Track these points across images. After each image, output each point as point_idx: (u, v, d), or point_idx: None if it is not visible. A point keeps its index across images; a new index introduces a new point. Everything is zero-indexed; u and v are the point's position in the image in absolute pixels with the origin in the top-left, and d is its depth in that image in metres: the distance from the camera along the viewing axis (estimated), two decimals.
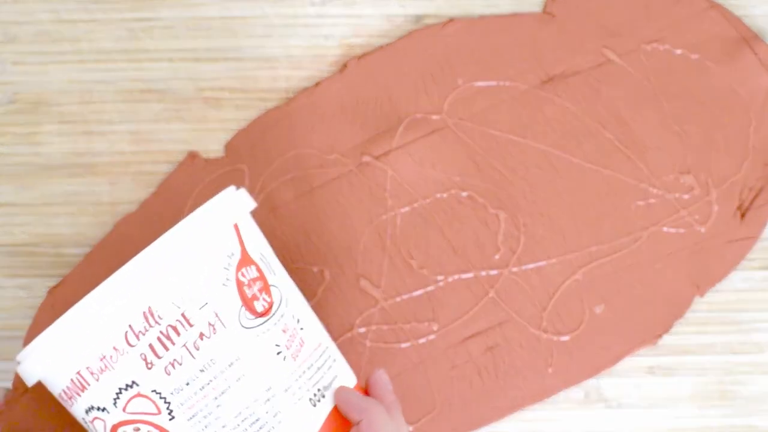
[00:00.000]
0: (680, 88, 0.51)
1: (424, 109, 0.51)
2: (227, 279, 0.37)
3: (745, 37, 0.52)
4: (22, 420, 0.43)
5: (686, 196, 0.51)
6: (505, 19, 0.52)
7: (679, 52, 0.52)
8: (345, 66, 0.51)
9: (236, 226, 0.38)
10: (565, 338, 0.50)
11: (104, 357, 0.36)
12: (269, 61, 0.51)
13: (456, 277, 0.50)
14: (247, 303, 0.37)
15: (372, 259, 0.50)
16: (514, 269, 0.50)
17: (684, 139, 0.51)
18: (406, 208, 0.50)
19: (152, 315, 0.36)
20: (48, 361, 0.36)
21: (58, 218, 0.50)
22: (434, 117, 0.51)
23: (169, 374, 0.36)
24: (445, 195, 0.50)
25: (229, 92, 0.51)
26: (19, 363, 0.38)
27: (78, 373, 0.36)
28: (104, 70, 0.51)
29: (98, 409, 0.37)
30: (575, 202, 0.50)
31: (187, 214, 0.38)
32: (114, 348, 0.36)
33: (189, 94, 0.51)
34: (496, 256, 0.50)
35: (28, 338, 0.49)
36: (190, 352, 0.36)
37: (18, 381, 0.48)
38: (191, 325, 0.36)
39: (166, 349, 0.36)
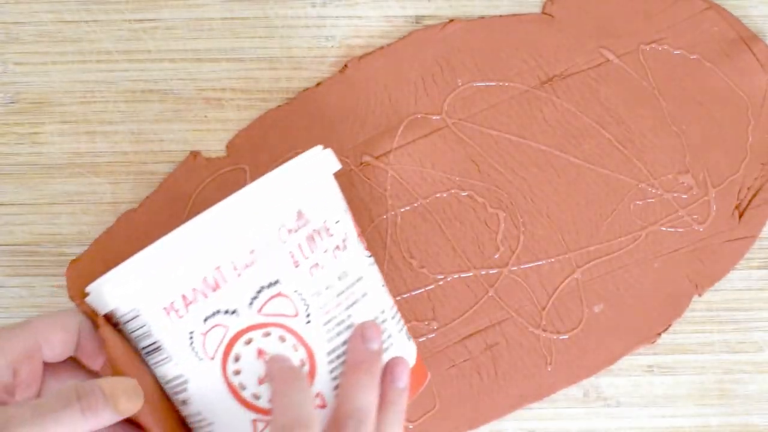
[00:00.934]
0: (679, 88, 0.51)
1: (424, 109, 0.51)
2: (347, 207, 0.40)
3: (744, 37, 0.52)
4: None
5: (685, 196, 0.51)
6: (504, 19, 0.52)
7: (677, 52, 0.52)
8: (345, 66, 0.51)
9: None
10: (564, 337, 0.50)
11: (254, 251, 0.35)
12: (270, 62, 0.51)
13: (456, 276, 0.50)
14: (359, 234, 0.39)
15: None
16: (514, 268, 0.50)
17: (682, 138, 0.51)
18: (406, 208, 0.50)
19: (303, 216, 0.37)
20: (173, 262, 0.35)
21: (59, 218, 0.51)
22: (434, 117, 0.51)
23: (312, 276, 0.36)
24: (445, 195, 0.51)
25: (230, 93, 0.51)
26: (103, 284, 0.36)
27: (218, 268, 0.35)
28: (106, 70, 0.51)
29: (226, 312, 0.35)
30: (574, 202, 0.51)
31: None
32: (266, 242, 0.36)
33: (190, 95, 0.51)
34: (496, 256, 0.50)
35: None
36: (331, 258, 0.37)
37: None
38: (330, 235, 0.37)
39: (312, 251, 0.37)
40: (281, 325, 0.36)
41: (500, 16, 0.52)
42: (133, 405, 0.34)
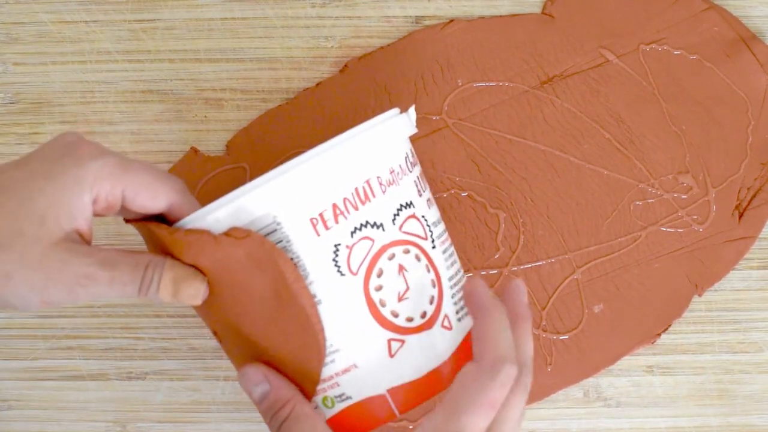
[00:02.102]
0: (679, 88, 0.51)
1: (424, 110, 0.51)
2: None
3: (744, 37, 0.52)
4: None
5: (684, 196, 0.51)
6: (504, 20, 0.52)
7: (677, 52, 0.52)
8: (345, 67, 0.51)
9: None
10: (564, 337, 0.50)
11: (393, 171, 0.37)
12: (270, 62, 0.51)
13: None
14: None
15: None
16: (514, 268, 0.50)
17: (682, 139, 0.51)
18: None
19: (414, 155, 0.39)
20: (325, 174, 0.35)
21: None
22: (434, 117, 0.51)
23: (429, 208, 0.39)
24: (445, 195, 0.51)
25: (230, 93, 0.51)
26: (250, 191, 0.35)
27: (367, 181, 0.36)
28: (105, 70, 0.51)
29: (373, 225, 0.36)
30: (574, 202, 0.51)
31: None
32: (400, 166, 0.37)
33: (190, 95, 0.51)
34: (496, 256, 0.50)
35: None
36: (433, 201, 0.40)
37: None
38: (427, 184, 0.40)
39: (424, 187, 0.39)
40: (417, 245, 0.37)
41: (500, 16, 0.52)
42: (188, 299, 0.36)
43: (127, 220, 0.38)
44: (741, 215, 0.51)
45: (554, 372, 0.49)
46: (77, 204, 0.35)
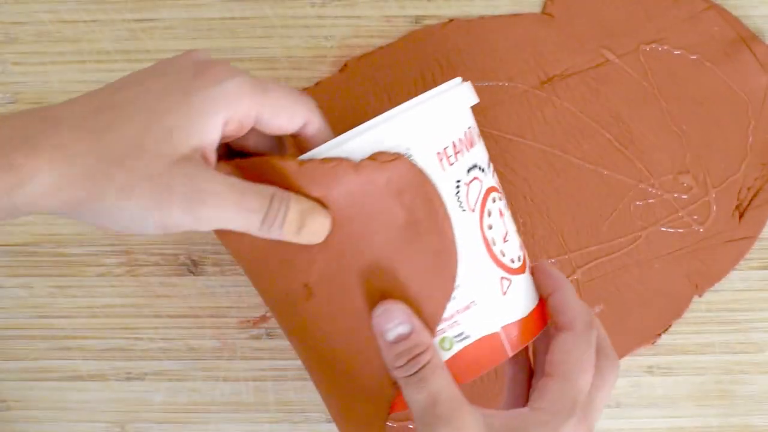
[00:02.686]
0: (679, 88, 0.51)
1: None
2: None
3: (744, 37, 0.52)
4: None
5: (685, 196, 0.51)
6: (504, 19, 0.52)
7: (678, 52, 0.52)
8: (345, 66, 0.51)
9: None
10: None
11: (470, 127, 0.38)
12: (269, 62, 0.51)
13: None
14: None
15: None
16: None
17: (682, 139, 0.51)
18: None
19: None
20: (448, 112, 0.36)
21: (59, 218, 0.51)
22: None
23: (494, 173, 0.40)
24: None
25: None
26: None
27: (469, 128, 0.38)
28: (105, 70, 0.51)
29: (480, 168, 0.38)
30: (574, 202, 0.51)
31: None
32: (475, 125, 0.39)
33: None
34: None
35: None
36: None
37: None
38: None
39: (486, 152, 0.40)
40: (503, 195, 0.39)
41: (500, 16, 0.52)
42: (312, 236, 0.35)
43: (234, 160, 0.36)
44: (741, 215, 0.51)
45: None
46: (210, 123, 0.33)
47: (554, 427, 0.35)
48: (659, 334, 0.50)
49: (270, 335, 0.50)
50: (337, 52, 0.52)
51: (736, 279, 0.51)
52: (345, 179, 0.35)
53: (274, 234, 0.34)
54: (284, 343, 0.50)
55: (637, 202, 0.51)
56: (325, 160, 0.34)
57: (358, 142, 0.35)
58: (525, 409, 0.36)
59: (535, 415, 0.35)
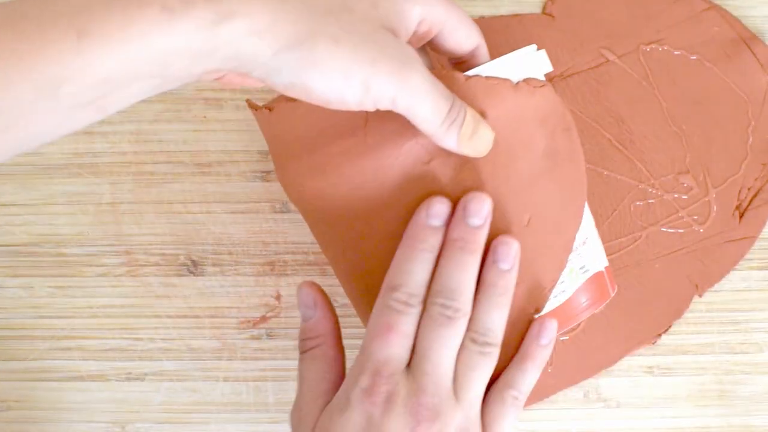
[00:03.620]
0: (679, 88, 0.51)
1: None
2: None
3: (744, 37, 0.52)
4: None
5: (685, 196, 0.51)
6: (504, 20, 0.52)
7: (677, 52, 0.52)
8: None
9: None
10: (565, 338, 0.50)
11: None
12: None
13: None
14: None
15: None
16: None
17: (683, 139, 0.51)
18: None
19: None
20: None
21: (59, 218, 0.51)
22: None
23: None
24: None
25: (229, 93, 0.51)
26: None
27: None
28: None
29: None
30: None
31: None
32: None
33: (190, 95, 0.51)
34: None
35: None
36: None
37: None
38: None
39: None
40: None
41: (500, 16, 0.52)
42: (483, 144, 0.35)
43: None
44: (741, 215, 0.51)
45: (554, 372, 0.49)
46: (409, 11, 0.34)
47: (346, 398, 0.36)
48: (659, 334, 0.50)
49: (270, 335, 0.50)
50: None
51: (736, 279, 0.51)
52: (504, 98, 0.36)
53: (452, 134, 0.34)
54: (284, 343, 0.50)
55: (637, 202, 0.51)
56: (489, 78, 0.36)
57: (514, 66, 0.36)
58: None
59: (341, 390, 0.37)
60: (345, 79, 0.31)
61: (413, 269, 0.36)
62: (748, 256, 0.51)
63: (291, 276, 0.50)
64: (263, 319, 0.50)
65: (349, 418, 0.35)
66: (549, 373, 0.49)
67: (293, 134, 0.37)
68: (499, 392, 0.38)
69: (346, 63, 0.30)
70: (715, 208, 0.51)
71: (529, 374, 0.38)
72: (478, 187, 0.36)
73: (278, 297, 0.50)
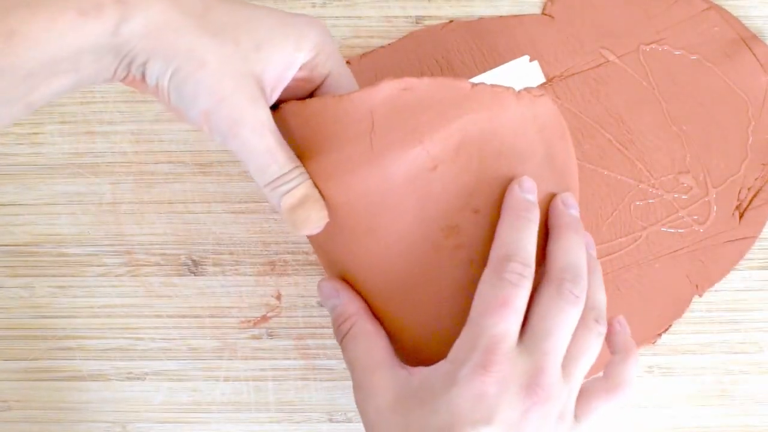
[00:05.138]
0: (679, 88, 0.51)
1: None
2: None
3: (744, 37, 0.52)
4: None
5: (685, 196, 0.51)
6: (504, 20, 0.52)
7: (677, 52, 0.52)
8: (348, 63, 0.51)
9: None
10: None
11: None
12: None
13: None
14: None
15: None
16: None
17: (683, 139, 0.51)
18: None
19: None
20: None
21: (59, 218, 0.51)
22: None
23: None
24: None
25: None
26: None
27: None
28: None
29: None
30: None
31: None
32: None
33: None
34: None
35: None
36: None
37: None
38: None
39: None
40: None
41: (500, 16, 0.52)
42: (303, 221, 0.36)
43: (404, 79, 0.37)
44: (741, 215, 0.51)
45: None
46: (292, 57, 0.35)
47: (452, 375, 0.34)
48: (659, 334, 0.50)
49: (270, 335, 0.50)
50: None
51: (735, 279, 0.51)
52: (508, 106, 0.36)
53: (273, 198, 0.35)
54: (285, 342, 0.50)
55: (637, 202, 0.51)
56: (494, 86, 0.36)
57: (508, 76, 0.38)
58: (441, 362, 0.35)
59: (438, 367, 0.35)
60: (192, 101, 0.34)
61: (523, 239, 0.35)
62: (748, 256, 0.51)
63: (291, 276, 0.50)
64: (264, 318, 0.50)
65: (457, 395, 0.33)
66: None
67: (299, 136, 0.37)
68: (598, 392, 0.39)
69: (200, 88, 0.33)
70: (715, 208, 0.51)
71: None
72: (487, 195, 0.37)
73: (279, 297, 0.50)
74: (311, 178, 0.36)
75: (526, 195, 0.36)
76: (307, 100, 0.36)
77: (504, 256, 0.35)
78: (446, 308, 0.37)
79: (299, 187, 0.35)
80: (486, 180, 0.36)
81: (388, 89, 0.35)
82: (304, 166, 0.36)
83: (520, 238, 0.35)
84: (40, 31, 0.30)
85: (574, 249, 0.36)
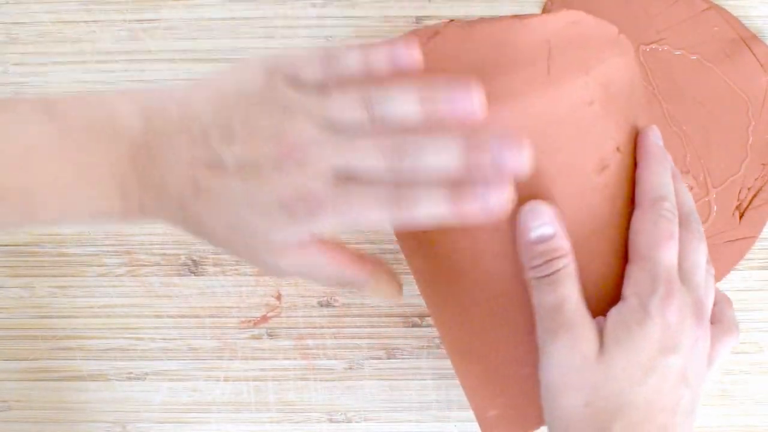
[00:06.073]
0: (679, 88, 0.51)
1: None
2: None
3: (744, 37, 0.52)
4: None
5: None
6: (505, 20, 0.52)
7: (677, 52, 0.52)
8: None
9: None
10: None
11: None
12: None
13: None
14: None
15: None
16: None
17: (683, 139, 0.51)
18: None
19: None
20: None
21: None
22: None
23: None
24: None
25: None
26: None
27: None
28: (106, 70, 0.51)
29: None
30: None
31: None
32: None
33: None
34: None
35: None
36: None
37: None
38: None
39: None
40: None
41: (500, 17, 0.52)
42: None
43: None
44: (741, 215, 0.51)
45: None
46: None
47: (642, 308, 0.35)
48: None
49: (270, 335, 0.50)
50: None
51: (735, 279, 0.51)
52: (633, 56, 0.39)
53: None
54: (285, 342, 0.50)
55: None
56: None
57: None
58: (619, 303, 0.36)
59: (626, 305, 0.36)
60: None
61: (668, 183, 0.38)
62: (748, 256, 0.51)
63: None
64: (264, 318, 0.50)
65: (650, 329, 0.35)
66: None
67: (461, 63, 0.37)
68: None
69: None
70: (715, 208, 0.51)
71: None
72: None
73: (279, 297, 0.50)
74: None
75: (659, 142, 0.39)
76: (474, 23, 0.37)
77: (658, 197, 0.37)
78: (596, 245, 0.37)
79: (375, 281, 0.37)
80: (622, 121, 0.38)
81: (563, 19, 0.36)
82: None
83: (668, 183, 0.38)
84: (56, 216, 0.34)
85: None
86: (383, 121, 0.33)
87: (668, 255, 0.36)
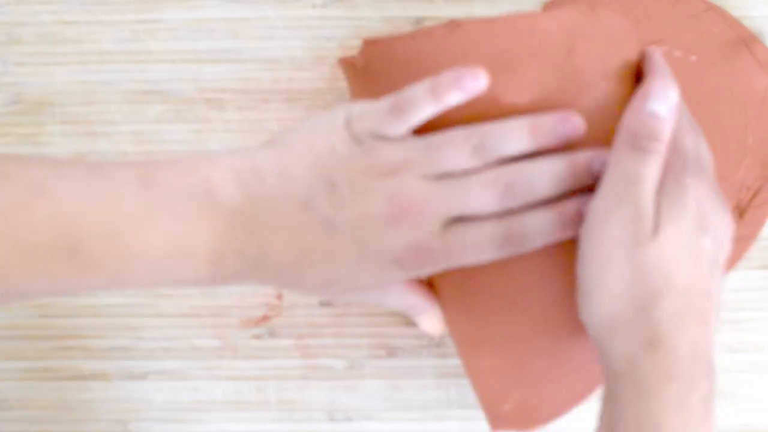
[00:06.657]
0: (679, 88, 0.51)
1: None
2: None
3: (743, 38, 0.52)
4: None
5: None
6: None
7: (678, 52, 0.52)
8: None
9: None
10: None
11: None
12: (271, 63, 0.51)
13: None
14: None
15: None
16: None
17: None
18: None
19: None
20: None
21: None
22: None
23: None
24: None
25: (231, 93, 0.51)
26: None
27: None
28: (107, 71, 0.51)
29: None
30: None
31: None
32: None
33: (191, 95, 0.51)
34: None
35: None
36: None
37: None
38: None
39: None
40: None
41: (501, 17, 0.52)
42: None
43: None
44: (741, 215, 0.51)
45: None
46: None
47: (678, 182, 0.37)
48: None
49: (272, 335, 0.50)
50: (338, 53, 0.52)
51: (735, 279, 0.51)
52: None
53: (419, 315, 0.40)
54: (286, 342, 0.50)
55: None
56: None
57: None
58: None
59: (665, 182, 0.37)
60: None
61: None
62: (747, 256, 0.51)
63: None
64: (265, 318, 0.51)
65: (688, 199, 0.36)
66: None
67: (482, 52, 0.37)
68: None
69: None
70: None
71: None
72: None
73: (279, 296, 0.50)
74: (496, 93, 0.37)
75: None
76: (494, 19, 0.38)
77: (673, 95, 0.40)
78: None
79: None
80: None
81: (585, 13, 0.38)
82: (494, 79, 0.37)
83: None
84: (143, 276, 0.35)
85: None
86: (496, 161, 0.34)
87: (692, 140, 0.38)
